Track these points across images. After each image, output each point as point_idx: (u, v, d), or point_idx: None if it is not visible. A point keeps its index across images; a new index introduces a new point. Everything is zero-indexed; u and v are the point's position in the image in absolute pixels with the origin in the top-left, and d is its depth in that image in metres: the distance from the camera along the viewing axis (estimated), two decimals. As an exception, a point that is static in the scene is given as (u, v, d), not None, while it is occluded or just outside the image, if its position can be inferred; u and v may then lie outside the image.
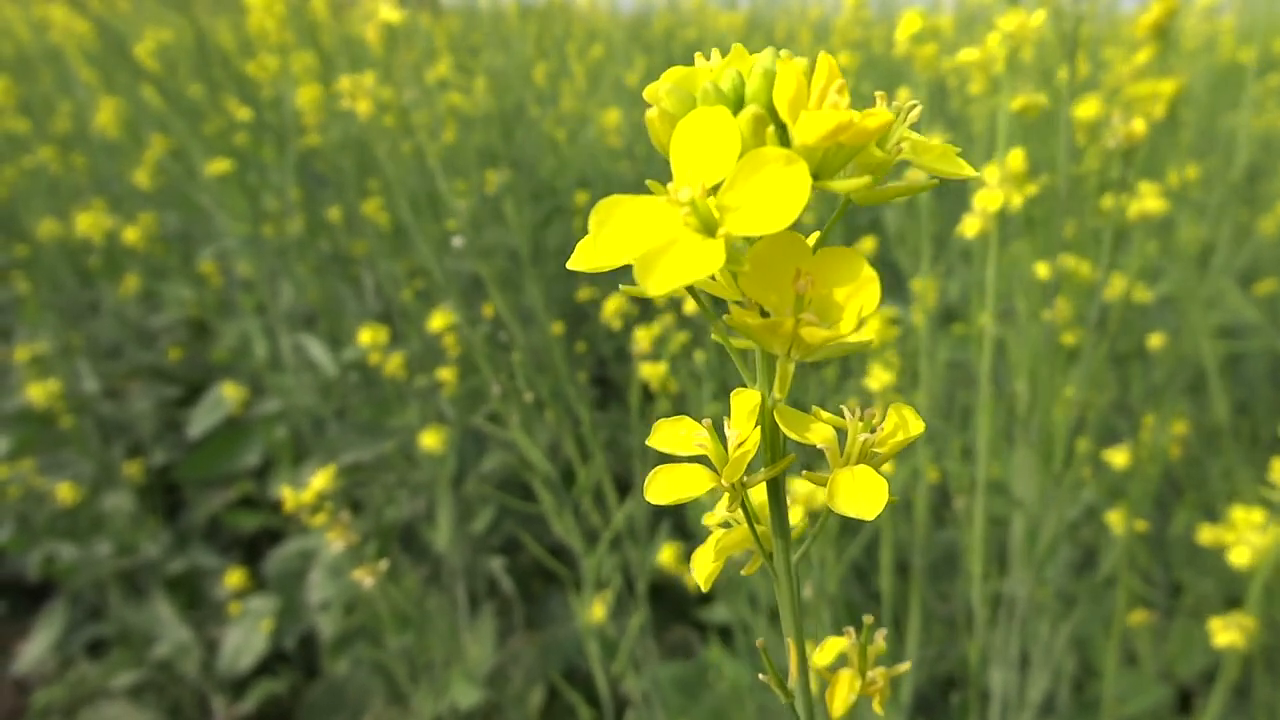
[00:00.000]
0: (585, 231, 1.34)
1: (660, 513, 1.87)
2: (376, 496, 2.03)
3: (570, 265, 0.29)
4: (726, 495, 0.32)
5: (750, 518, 0.33)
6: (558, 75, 2.65)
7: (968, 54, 0.56)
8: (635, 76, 3.15)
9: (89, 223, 1.60)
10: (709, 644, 1.68)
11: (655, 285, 0.25)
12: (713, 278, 0.32)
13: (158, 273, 2.56)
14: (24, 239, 2.37)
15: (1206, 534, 0.60)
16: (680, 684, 1.44)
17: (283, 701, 2.07)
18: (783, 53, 0.29)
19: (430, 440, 1.42)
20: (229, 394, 1.78)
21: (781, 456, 0.32)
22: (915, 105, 0.31)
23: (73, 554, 2.17)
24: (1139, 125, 0.60)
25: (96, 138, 2.94)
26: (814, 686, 0.38)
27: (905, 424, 0.33)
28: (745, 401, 0.31)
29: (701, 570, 0.34)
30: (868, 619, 0.39)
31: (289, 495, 0.74)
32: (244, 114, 1.61)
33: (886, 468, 0.34)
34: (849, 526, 1.73)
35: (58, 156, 2.31)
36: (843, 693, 0.35)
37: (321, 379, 1.90)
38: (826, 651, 0.39)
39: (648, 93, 0.31)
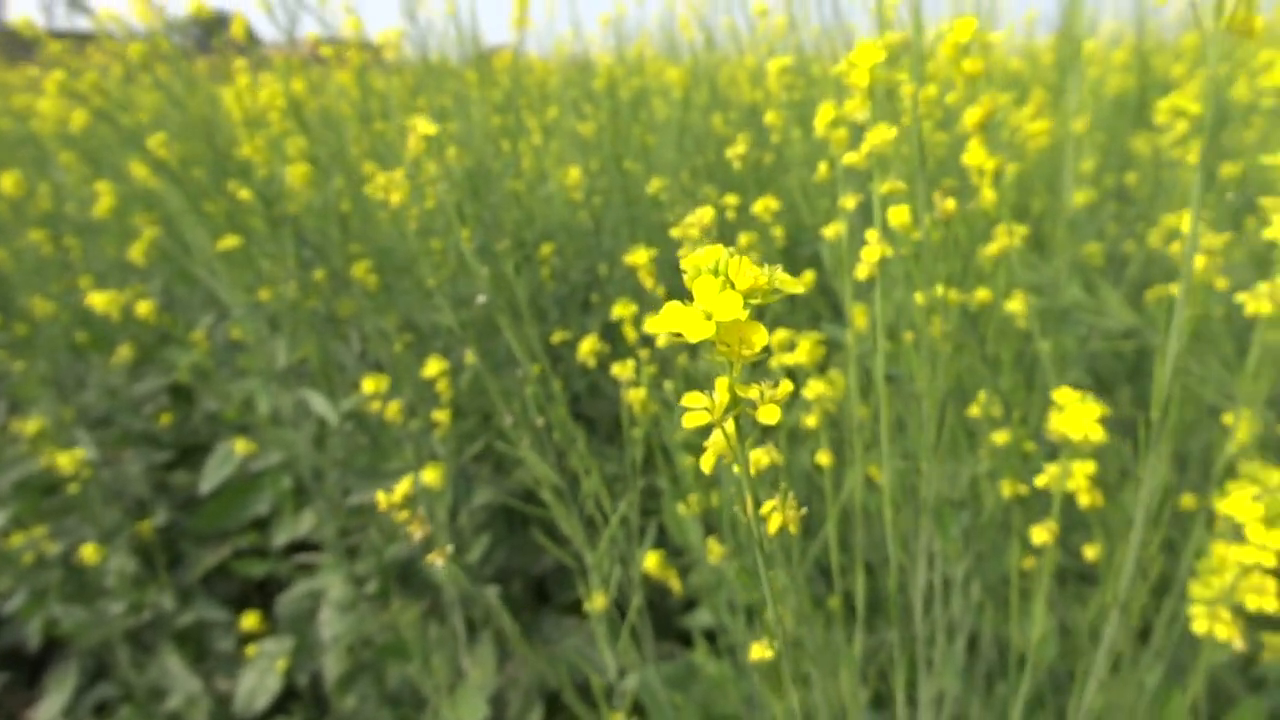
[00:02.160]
0: (553, 279, 1.64)
1: (643, 529, 2.04)
2: (374, 537, 2.18)
3: (648, 328, 0.50)
4: (717, 428, 0.52)
5: (726, 437, 0.53)
6: (515, 133, 2.85)
7: (850, 158, 0.75)
8: (589, 128, 3.37)
9: (105, 300, 1.74)
10: (694, 646, 1.85)
11: (692, 337, 0.45)
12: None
13: (146, 343, 2.69)
14: (18, 316, 2.49)
15: (1084, 499, 0.78)
16: (671, 680, 1.60)
17: (296, 740, 2.18)
18: (732, 250, 0.50)
19: (430, 476, 1.58)
20: (240, 449, 1.92)
21: (737, 406, 0.52)
22: (778, 265, 0.52)
23: (81, 616, 2.26)
24: (950, 204, 0.80)
25: (76, 215, 3.07)
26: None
27: (786, 388, 0.53)
28: (722, 382, 0.52)
29: (706, 463, 0.55)
30: (783, 485, 0.59)
31: (382, 498, 0.90)
32: (245, 194, 1.78)
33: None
34: (809, 531, 1.91)
35: (49, 239, 2.45)
36: (775, 520, 0.56)
37: (316, 430, 2.05)
38: (767, 509, 0.59)
39: (684, 264, 0.52)
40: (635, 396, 1.22)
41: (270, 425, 1.99)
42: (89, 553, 1.90)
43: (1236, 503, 0.49)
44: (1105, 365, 2.23)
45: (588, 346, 1.72)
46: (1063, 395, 0.63)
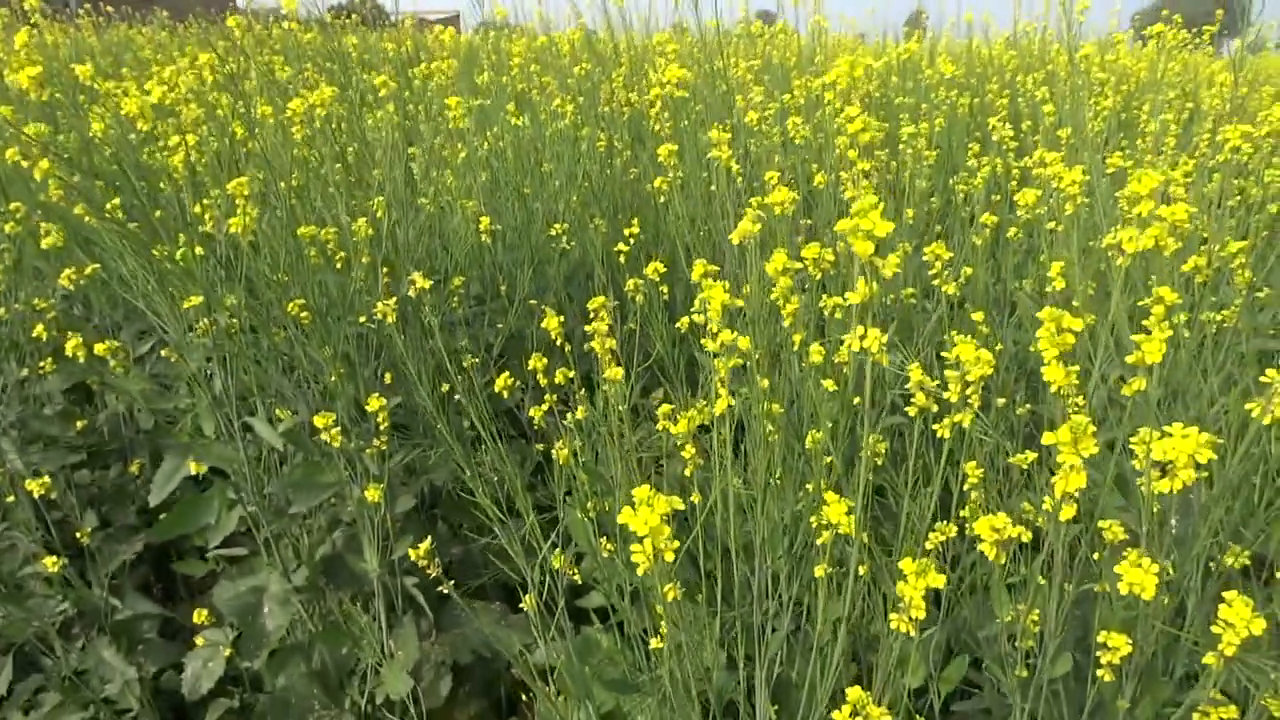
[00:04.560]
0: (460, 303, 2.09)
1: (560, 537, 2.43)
2: (304, 539, 2.47)
3: (619, 519, 0.85)
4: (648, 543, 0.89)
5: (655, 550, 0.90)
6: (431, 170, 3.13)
7: (709, 345, 1.14)
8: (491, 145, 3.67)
9: (74, 344, 1.93)
10: (590, 623, 2.26)
11: (639, 532, 0.81)
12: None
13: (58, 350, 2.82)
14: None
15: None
16: (575, 651, 2.01)
17: (236, 717, 2.46)
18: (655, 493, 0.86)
19: (373, 495, 1.91)
20: (194, 468, 2.16)
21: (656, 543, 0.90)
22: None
23: (14, 613, 2.43)
24: (764, 381, 1.22)
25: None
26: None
27: (675, 545, 0.92)
28: (650, 541, 0.88)
29: (640, 565, 0.91)
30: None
31: (413, 552, 1.24)
32: (199, 249, 2.01)
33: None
34: (684, 525, 2.35)
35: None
36: (669, 553, 0.94)
37: (254, 448, 2.32)
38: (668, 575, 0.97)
39: (635, 494, 0.87)
40: (562, 456, 1.60)
41: (213, 442, 2.24)
42: (50, 563, 2.11)
43: (905, 563, 0.92)
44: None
45: (501, 382, 2.08)
46: (830, 497, 1.06)
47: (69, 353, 1.97)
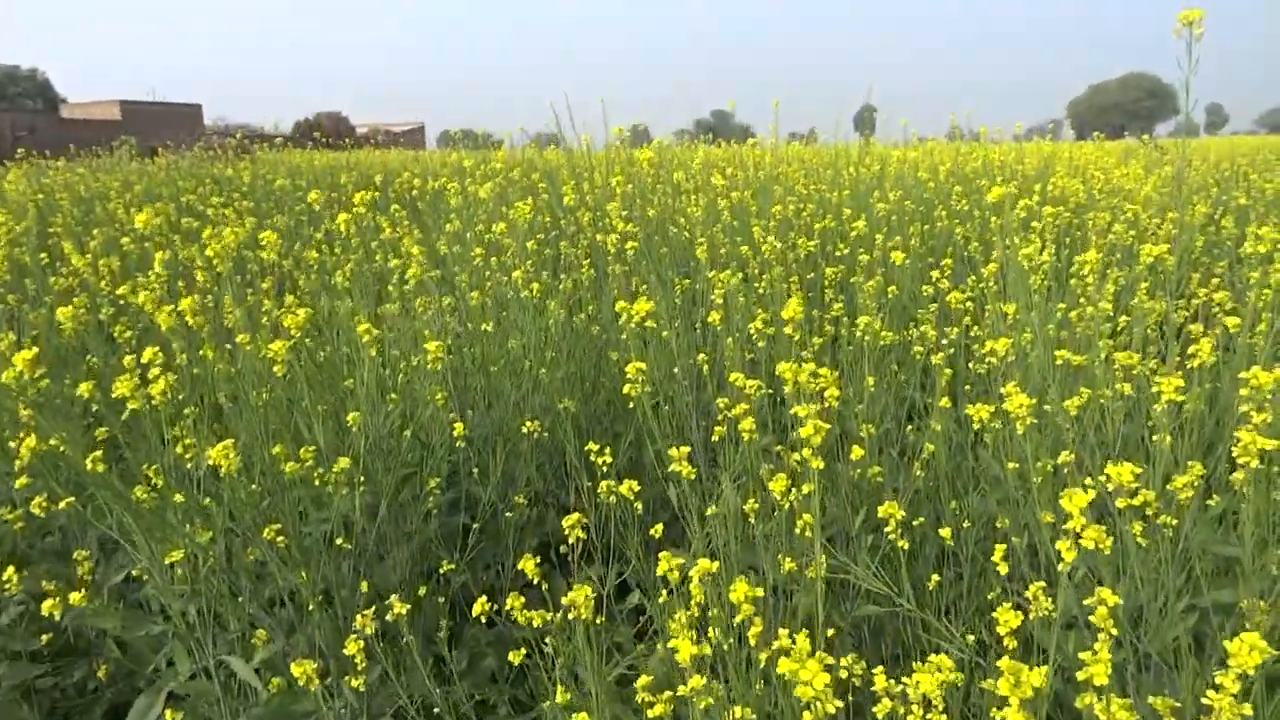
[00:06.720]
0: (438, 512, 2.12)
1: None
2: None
3: None
4: None
5: None
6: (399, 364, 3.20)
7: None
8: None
9: (50, 605, 1.93)
10: None
11: None
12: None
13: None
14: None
15: None
16: None
17: None
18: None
19: (353, 741, 1.88)
20: (170, 717, 2.11)
21: None
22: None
23: None
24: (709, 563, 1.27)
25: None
26: None
27: None
28: None
29: None
30: None
31: None
32: (179, 497, 2.03)
33: None
34: None
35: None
36: None
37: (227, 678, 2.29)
38: None
39: None
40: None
41: (188, 680, 2.20)
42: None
43: None
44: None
45: (479, 608, 2.10)
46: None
47: (44, 612, 1.95)
